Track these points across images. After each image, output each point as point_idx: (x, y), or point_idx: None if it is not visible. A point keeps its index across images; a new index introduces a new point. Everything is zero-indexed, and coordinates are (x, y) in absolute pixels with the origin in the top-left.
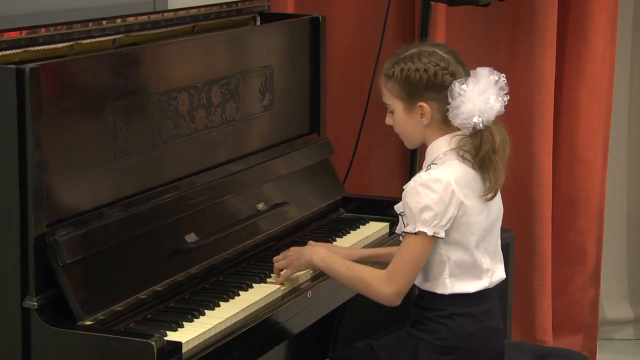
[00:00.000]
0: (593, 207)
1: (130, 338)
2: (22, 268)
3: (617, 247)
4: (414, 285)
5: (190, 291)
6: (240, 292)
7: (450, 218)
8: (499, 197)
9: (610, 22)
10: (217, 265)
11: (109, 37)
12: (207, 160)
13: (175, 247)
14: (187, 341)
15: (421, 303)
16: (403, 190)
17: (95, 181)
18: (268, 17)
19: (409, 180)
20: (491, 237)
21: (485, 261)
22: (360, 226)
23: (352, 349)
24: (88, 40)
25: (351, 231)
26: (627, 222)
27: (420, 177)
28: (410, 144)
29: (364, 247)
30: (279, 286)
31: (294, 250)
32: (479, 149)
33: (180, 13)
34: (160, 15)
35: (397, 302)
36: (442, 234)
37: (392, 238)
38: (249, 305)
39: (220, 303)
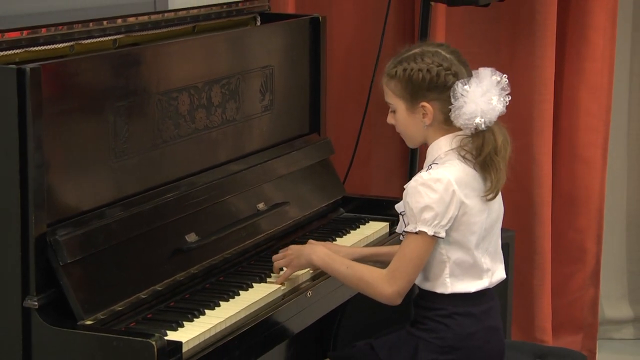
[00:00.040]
0: (593, 206)
1: (130, 338)
2: (23, 268)
3: (617, 246)
4: (414, 285)
5: (190, 291)
6: (241, 292)
7: (451, 218)
8: (499, 197)
9: (610, 21)
10: (218, 265)
11: (110, 37)
12: (207, 160)
13: (176, 246)
14: (188, 341)
15: (421, 302)
16: (404, 189)
17: (96, 181)
18: (268, 17)
19: (410, 179)
20: (491, 237)
21: (485, 261)
22: (361, 226)
23: (352, 348)
24: (89, 41)
25: (351, 231)
26: (626, 221)
27: (421, 176)
28: (411, 144)
29: (364, 246)
30: (279, 286)
31: (293, 249)
32: (480, 150)
33: (180, 13)
34: (160, 15)
35: (399, 301)
36: (442, 234)
37: (392, 238)
38: (249, 305)
39: (221, 303)
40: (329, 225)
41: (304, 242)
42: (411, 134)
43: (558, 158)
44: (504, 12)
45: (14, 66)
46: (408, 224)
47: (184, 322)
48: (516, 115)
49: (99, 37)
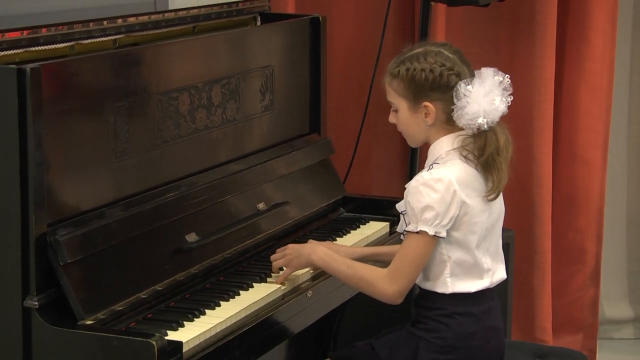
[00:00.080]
0: (593, 206)
1: (131, 337)
2: (23, 268)
3: (617, 246)
4: (414, 284)
5: (190, 291)
6: (241, 292)
7: (452, 218)
8: (500, 197)
9: (610, 21)
10: (218, 264)
11: (110, 37)
12: (207, 160)
13: (176, 246)
14: (188, 340)
15: (422, 302)
16: (405, 189)
17: (96, 181)
18: (268, 17)
19: (410, 179)
20: (492, 237)
21: (486, 261)
22: (361, 226)
23: (352, 348)
24: (89, 41)
25: (351, 231)
26: (626, 221)
27: (422, 176)
28: (413, 143)
29: (365, 246)
30: (279, 286)
31: (292, 249)
32: (483, 150)
33: (180, 13)
34: (161, 15)
35: (400, 301)
36: (443, 234)
37: (392, 237)
38: (250, 305)
39: (221, 302)
40: (329, 225)
41: (304, 242)
42: (413, 133)
43: (558, 158)
44: (504, 12)
45: (14, 66)
46: (409, 223)
47: (185, 322)
48: (516, 115)
49: (99, 37)
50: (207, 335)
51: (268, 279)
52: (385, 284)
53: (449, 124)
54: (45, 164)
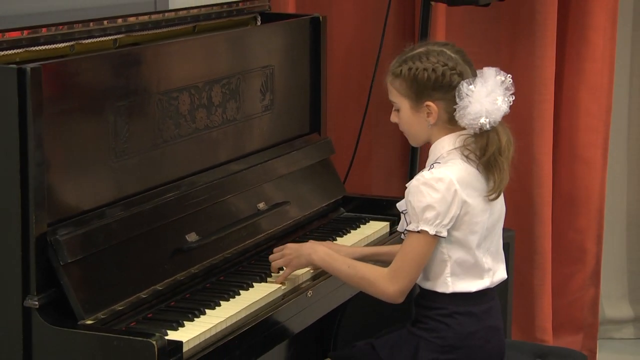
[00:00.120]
0: (593, 206)
1: (131, 337)
2: (23, 267)
3: (617, 246)
4: (415, 284)
5: (191, 290)
6: (241, 292)
7: (453, 217)
8: (501, 197)
9: (610, 21)
10: (218, 264)
11: (110, 37)
12: (207, 160)
13: (176, 246)
14: (188, 340)
15: (422, 302)
16: (406, 188)
17: (96, 181)
18: (269, 17)
19: (410, 179)
20: (493, 236)
21: (486, 261)
22: (361, 225)
23: (352, 348)
24: (89, 40)
25: (352, 230)
26: (627, 221)
27: (423, 175)
28: (415, 142)
29: (365, 246)
30: (279, 285)
31: (291, 249)
32: (485, 150)
33: (181, 13)
34: (161, 15)
35: (401, 300)
36: (444, 233)
37: (392, 237)
38: (250, 305)
39: (221, 302)
40: (329, 225)
41: (304, 242)
42: (415, 132)
43: (558, 158)
44: (504, 12)
45: (14, 66)
46: (410, 222)
47: (185, 322)
48: (516, 115)
49: (99, 36)
50: (207, 335)
51: (268, 279)
52: (387, 283)
53: (451, 123)
54: (46, 163)
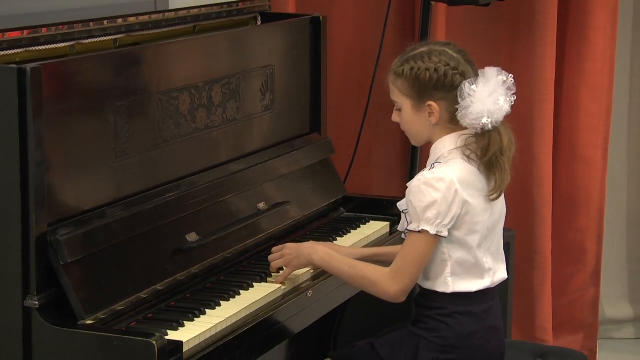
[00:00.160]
0: (593, 206)
1: (131, 337)
2: (24, 267)
3: (617, 246)
4: (415, 284)
5: (191, 290)
6: (241, 292)
7: (454, 217)
8: (502, 197)
9: (610, 21)
10: (218, 264)
11: (110, 37)
12: (208, 160)
13: (176, 246)
14: (188, 340)
15: (422, 301)
16: (406, 187)
17: (97, 181)
18: (269, 17)
19: (410, 179)
20: (494, 236)
21: (487, 261)
22: (361, 225)
23: (352, 348)
24: (89, 40)
25: (352, 230)
26: (627, 221)
27: (424, 175)
28: (416, 142)
29: (365, 246)
30: (279, 285)
31: (291, 249)
32: (487, 150)
33: (181, 13)
34: (161, 15)
35: (403, 299)
36: (445, 233)
37: (392, 237)
38: (250, 305)
39: (221, 302)
40: (329, 225)
41: (304, 242)
42: (416, 132)
43: (558, 159)
44: (504, 12)
45: (14, 66)
46: (411, 222)
47: (185, 322)
48: (517, 115)
49: (99, 36)
50: (208, 335)
51: (268, 279)
52: (388, 283)
53: (453, 123)
54: (46, 163)
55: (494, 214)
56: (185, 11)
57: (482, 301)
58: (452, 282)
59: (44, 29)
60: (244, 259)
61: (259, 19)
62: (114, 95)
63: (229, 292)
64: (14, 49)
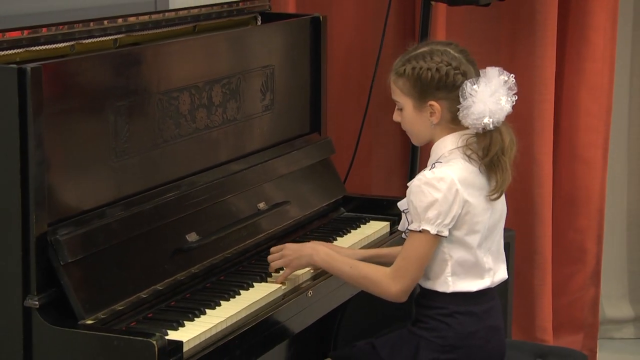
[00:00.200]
0: (593, 206)
1: (131, 337)
2: (24, 267)
3: (617, 246)
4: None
5: (191, 290)
6: (241, 291)
7: (454, 217)
8: (503, 197)
9: (610, 21)
10: (218, 264)
11: (110, 37)
12: (208, 160)
13: (176, 246)
14: (188, 340)
15: (422, 301)
16: (407, 187)
17: (97, 180)
18: (269, 17)
19: (410, 179)
20: (494, 236)
21: (487, 260)
22: (361, 225)
23: (352, 348)
24: (89, 40)
25: (352, 230)
26: (627, 221)
27: (425, 175)
28: (417, 142)
29: (365, 246)
30: (279, 285)
31: (291, 249)
32: (488, 150)
33: (181, 13)
34: (161, 15)
35: (404, 299)
36: (445, 233)
37: (392, 237)
38: (250, 305)
39: (221, 302)
40: (329, 225)
41: (304, 242)
42: (418, 132)
43: (558, 159)
44: (504, 12)
45: (14, 66)
46: (411, 222)
47: (185, 322)
48: (517, 115)
49: (99, 36)
50: (208, 335)
51: (268, 279)
52: (389, 283)
53: (454, 123)
54: (46, 163)
55: (494, 213)
56: (185, 11)
57: (483, 301)
58: (453, 281)
59: (44, 29)
60: (244, 258)
61: (259, 19)
62: (114, 95)
63: (229, 292)
64: (14, 49)
